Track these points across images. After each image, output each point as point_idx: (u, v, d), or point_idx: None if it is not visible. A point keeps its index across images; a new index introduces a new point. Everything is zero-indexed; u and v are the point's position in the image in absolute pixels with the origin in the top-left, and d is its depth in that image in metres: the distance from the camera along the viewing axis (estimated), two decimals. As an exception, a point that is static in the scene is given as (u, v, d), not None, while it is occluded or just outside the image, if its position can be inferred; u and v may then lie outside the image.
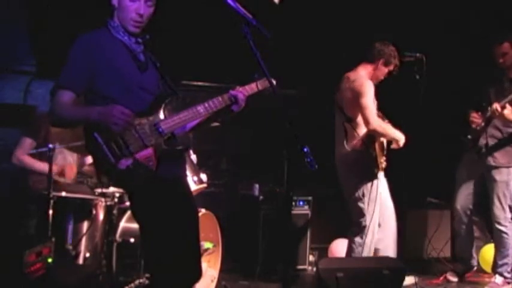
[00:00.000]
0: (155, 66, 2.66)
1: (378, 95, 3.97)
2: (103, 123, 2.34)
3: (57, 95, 2.48)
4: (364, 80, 3.89)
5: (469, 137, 4.37)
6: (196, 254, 2.68)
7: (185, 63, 4.72)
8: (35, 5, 4.66)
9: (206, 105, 2.58)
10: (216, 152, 5.45)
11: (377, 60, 3.94)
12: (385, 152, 3.97)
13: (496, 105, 4.05)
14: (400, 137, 3.95)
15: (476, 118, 4.31)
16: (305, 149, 2.15)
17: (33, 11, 4.68)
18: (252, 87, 2.73)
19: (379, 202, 3.93)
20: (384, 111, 4.02)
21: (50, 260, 3.03)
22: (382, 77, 4.01)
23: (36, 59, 4.73)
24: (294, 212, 4.66)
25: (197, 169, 4.00)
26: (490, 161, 4.27)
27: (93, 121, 2.37)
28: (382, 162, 3.92)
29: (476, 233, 5.01)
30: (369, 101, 3.80)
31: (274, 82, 2.52)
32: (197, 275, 2.60)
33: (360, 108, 3.81)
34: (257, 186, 5.11)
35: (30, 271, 2.84)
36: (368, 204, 3.90)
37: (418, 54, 4.00)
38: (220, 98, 2.63)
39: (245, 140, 5.45)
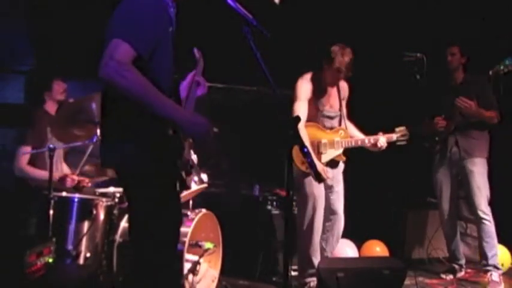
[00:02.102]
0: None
1: (374, 94, 3.99)
2: (188, 132, 2.21)
3: (121, 47, 2.04)
4: (299, 79, 4.02)
5: (436, 138, 4.53)
6: None
7: (184, 63, 4.71)
8: (36, 6, 4.67)
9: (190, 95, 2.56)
10: (216, 152, 5.45)
11: (323, 63, 4.01)
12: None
13: (464, 100, 4.22)
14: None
15: (441, 121, 4.45)
16: (305, 150, 2.15)
17: (33, 11, 4.69)
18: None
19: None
20: (384, 111, 4.02)
21: (50, 260, 3.03)
22: (332, 77, 3.99)
23: (36, 59, 4.73)
24: (294, 212, 4.64)
25: (198, 169, 4.00)
26: (464, 155, 4.43)
27: (177, 123, 2.19)
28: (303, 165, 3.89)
29: (476, 233, 5.02)
30: (297, 104, 3.93)
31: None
32: None
33: None
34: (257, 186, 5.12)
35: (31, 271, 2.84)
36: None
37: (418, 54, 4.00)
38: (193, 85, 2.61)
39: (245, 140, 5.45)
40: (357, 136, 4.12)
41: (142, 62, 2.11)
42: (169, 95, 2.27)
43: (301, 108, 3.93)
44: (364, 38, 4.68)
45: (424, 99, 4.49)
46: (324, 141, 3.98)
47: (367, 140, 4.04)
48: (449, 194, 4.60)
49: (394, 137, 4.05)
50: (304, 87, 3.99)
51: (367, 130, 4.18)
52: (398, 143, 4.05)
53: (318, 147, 3.97)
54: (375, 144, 4.01)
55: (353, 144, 4.03)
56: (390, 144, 4.05)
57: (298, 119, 2.23)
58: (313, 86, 4.01)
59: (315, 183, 3.91)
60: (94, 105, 3.61)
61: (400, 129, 4.06)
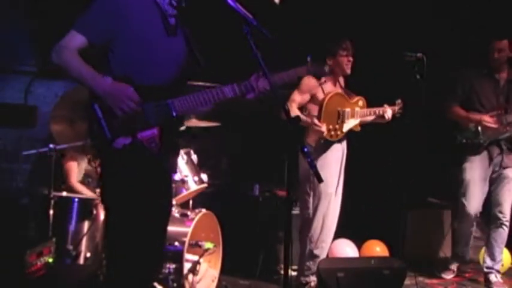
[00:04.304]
0: (185, 34, 2.52)
1: (374, 93, 4.02)
2: (106, 102, 2.25)
3: (69, 34, 2.33)
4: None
5: (481, 141, 4.38)
6: (160, 250, 2.67)
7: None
8: (36, 5, 4.67)
9: (219, 92, 2.41)
10: (216, 152, 5.45)
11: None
12: (338, 121, 3.95)
13: None
14: None
15: (492, 124, 4.31)
16: (305, 149, 2.15)
17: (34, 11, 4.69)
18: (286, 76, 2.52)
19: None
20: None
21: (50, 260, 3.04)
22: (341, 67, 4.00)
23: (36, 59, 4.73)
24: (294, 212, 4.65)
25: (198, 169, 4.01)
26: (508, 163, 4.39)
27: (96, 94, 2.27)
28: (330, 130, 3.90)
29: (477, 233, 5.02)
30: (295, 92, 3.98)
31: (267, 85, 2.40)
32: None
33: None
34: (257, 186, 5.11)
35: (31, 271, 2.84)
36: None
37: (418, 54, 4.00)
38: (235, 87, 2.44)
39: (245, 140, 5.44)
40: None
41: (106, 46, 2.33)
42: (160, 79, 2.34)
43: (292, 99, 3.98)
44: (364, 38, 4.67)
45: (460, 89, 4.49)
46: (347, 110, 3.99)
47: (377, 111, 4.09)
48: (480, 196, 4.48)
49: (396, 109, 4.17)
50: (304, 82, 3.98)
51: (366, 130, 4.19)
52: (397, 115, 4.18)
53: (342, 116, 3.96)
54: (382, 116, 4.09)
55: (367, 114, 4.08)
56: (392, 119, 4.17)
57: (298, 119, 2.23)
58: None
59: (329, 183, 3.93)
60: None
61: (398, 102, 4.19)
